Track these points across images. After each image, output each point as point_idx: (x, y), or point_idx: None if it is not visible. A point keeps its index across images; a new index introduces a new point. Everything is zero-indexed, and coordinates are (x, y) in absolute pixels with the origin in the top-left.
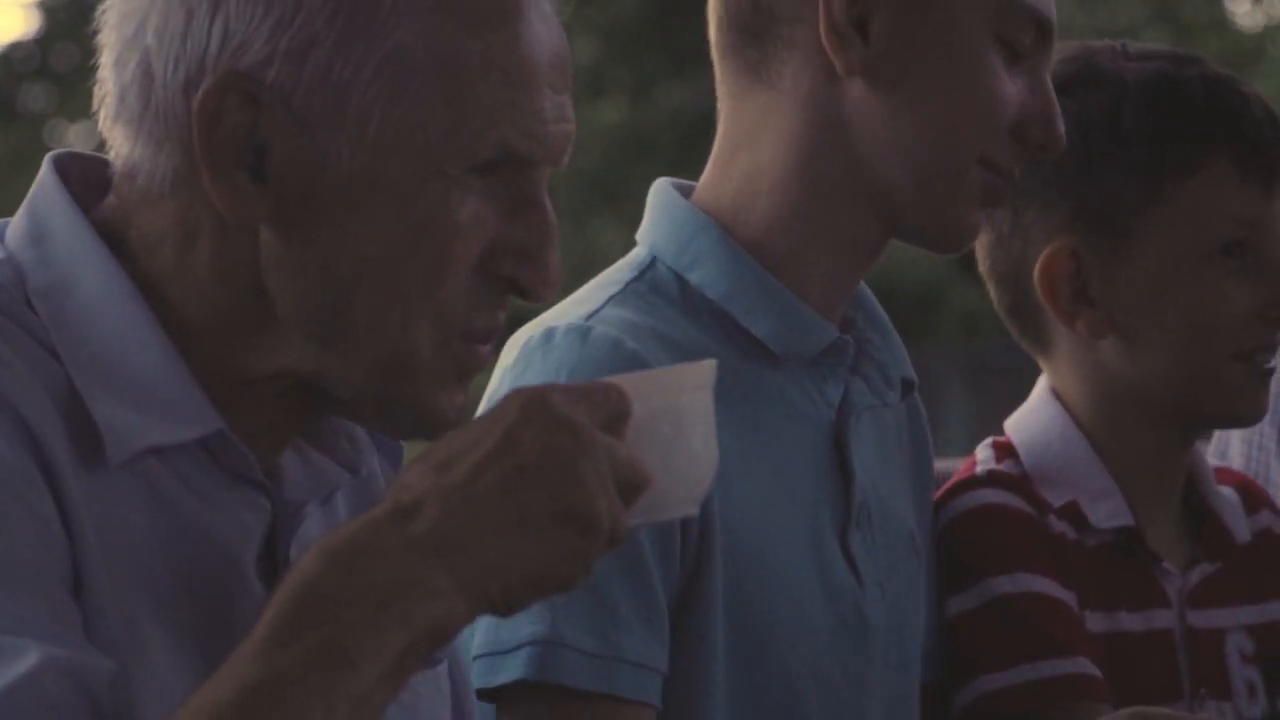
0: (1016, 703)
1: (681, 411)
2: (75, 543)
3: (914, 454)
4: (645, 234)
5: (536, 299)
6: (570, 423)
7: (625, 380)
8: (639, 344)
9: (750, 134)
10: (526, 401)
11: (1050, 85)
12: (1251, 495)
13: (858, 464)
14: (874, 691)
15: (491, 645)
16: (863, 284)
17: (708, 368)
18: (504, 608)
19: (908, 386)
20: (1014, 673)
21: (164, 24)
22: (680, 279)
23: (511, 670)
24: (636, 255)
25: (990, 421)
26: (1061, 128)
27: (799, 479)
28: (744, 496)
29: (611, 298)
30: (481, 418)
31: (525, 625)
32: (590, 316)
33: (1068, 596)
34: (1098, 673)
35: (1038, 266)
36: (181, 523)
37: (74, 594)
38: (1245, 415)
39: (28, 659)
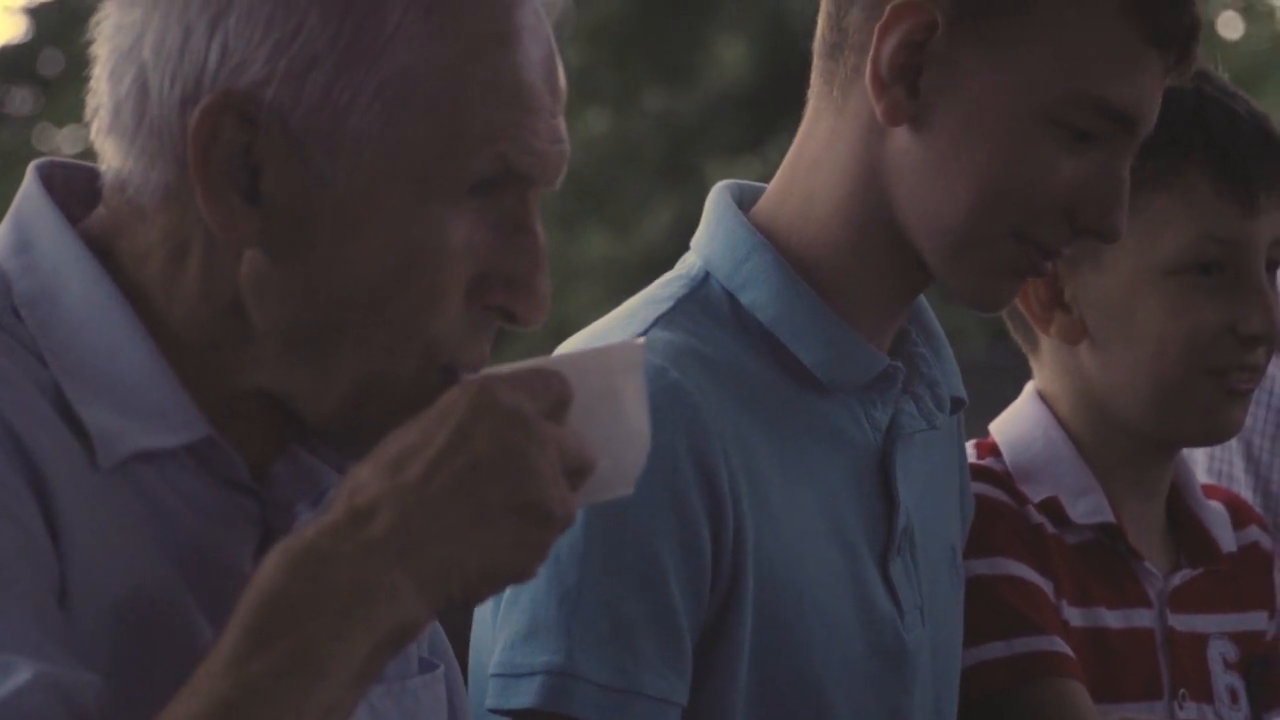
0: (991, 679)
1: (618, 393)
2: (62, 551)
3: (959, 467)
4: (700, 244)
5: (527, 326)
6: (519, 415)
7: (561, 364)
8: (681, 372)
9: (816, 155)
10: (474, 395)
11: (1122, 175)
12: (1239, 511)
13: (902, 489)
14: (910, 716)
15: (507, 667)
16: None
17: (638, 347)
18: (464, 602)
19: (957, 404)
20: (987, 649)
21: (161, 39)
22: (732, 298)
23: (524, 697)
24: (690, 266)
25: (975, 421)
26: (1119, 218)
27: (841, 506)
28: (783, 522)
29: (660, 318)
30: (430, 412)
31: (541, 652)
32: (639, 337)
33: (1044, 583)
34: (1070, 652)
35: None
36: (174, 528)
37: (60, 602)
38: (1214, 433)
39: (18, 676)
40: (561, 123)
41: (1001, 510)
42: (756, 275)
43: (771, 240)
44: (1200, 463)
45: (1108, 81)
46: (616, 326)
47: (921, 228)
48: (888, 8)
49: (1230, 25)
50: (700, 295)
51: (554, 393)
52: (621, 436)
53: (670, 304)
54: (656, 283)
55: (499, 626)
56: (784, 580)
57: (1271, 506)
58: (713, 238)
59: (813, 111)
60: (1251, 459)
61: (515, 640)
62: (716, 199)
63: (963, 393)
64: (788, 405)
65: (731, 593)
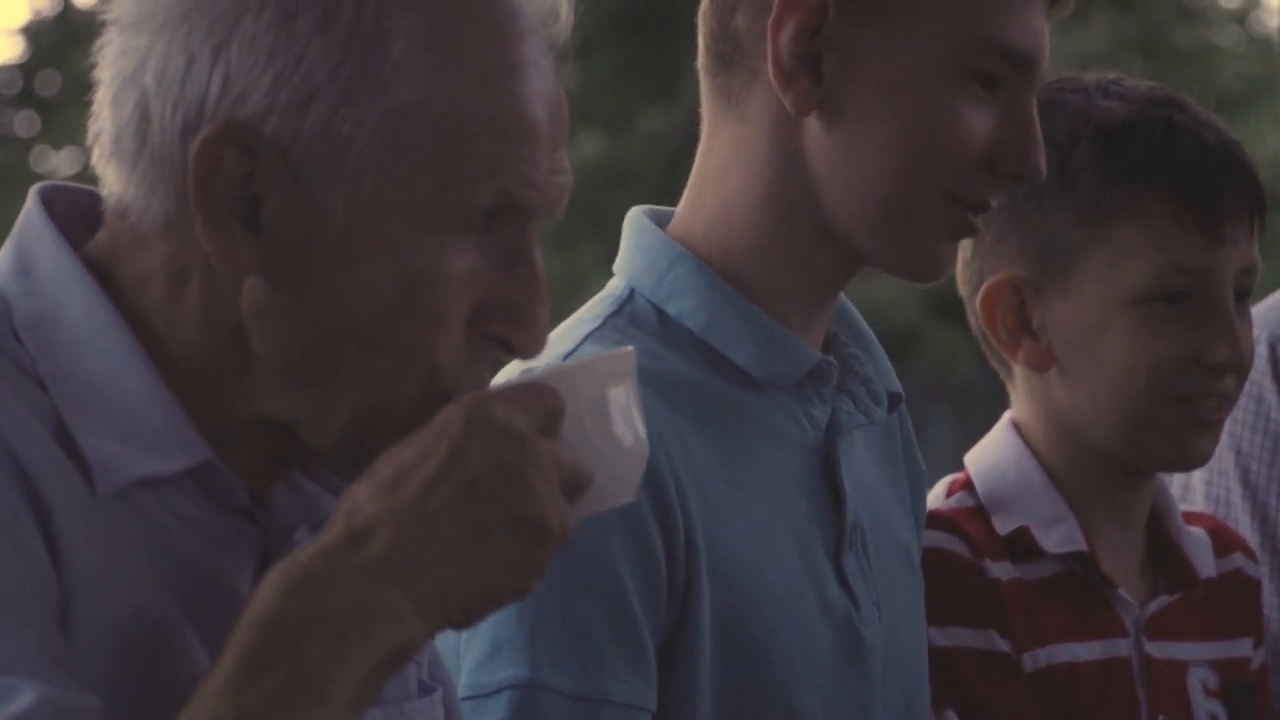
0: None
1: (610, 404)
2: (63, 574)
3: (906, 466)
4: (622, 266)
5: (525, 356)
6: (514, 432)
7: (553, 377)
8: None
9: (723, 165)
10: (469, 414)
11: (1031, 113)
12: (1223, 538)
13: (848, 484)
14: (876, 711)
15: (474, 688)
16: (843, 297)
17: (628, 355)
18: (462, 622)
19: (894, 400)
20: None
21: (164, 67)
22: (659, 311)
23: (493, 714)
24: (614, 288)
25: (965, 445)
26: (1039, 157)
27: (789, 504)
28: (734, 524)
29: (589, 335)
30: (425, 431)
31: (506, 668)
32: (568, 356)
33: (1003, 645)
34: None
35: (980, 295)
36: (173, 552)
37: (60, 626)
38: (1183, 461)
39: (21, 699)
40: (564, 154)
41: (957, 567)
42: (681, 285)
43: (691, 252)
44: (1198, 489)
45: (1000, 25)
46: (546, 350)
47: (851, 209)
48: (775, 3)
49: (1229, 36)
50: (628, 311)
51: (547, 407)
52: (616, 446)
53: (599, 322)
54: (584, 307)
55: (462, 654)
56: (741, 582)
57: (1269, 532)
58: (633, 256)
59: (710, 126)
60: (1249, 485)
61: (480, 661)
62: (633, 221)
63: (899, 387)
64: (727, 409)
65: (687, 597)
